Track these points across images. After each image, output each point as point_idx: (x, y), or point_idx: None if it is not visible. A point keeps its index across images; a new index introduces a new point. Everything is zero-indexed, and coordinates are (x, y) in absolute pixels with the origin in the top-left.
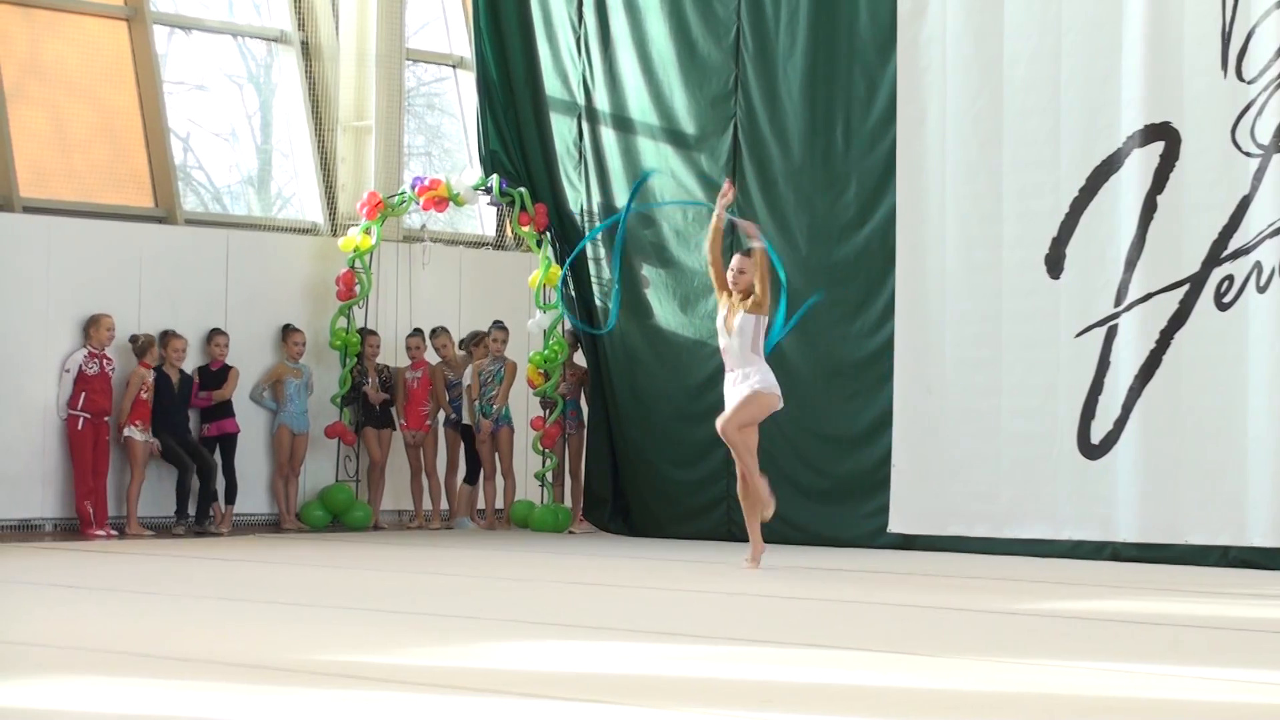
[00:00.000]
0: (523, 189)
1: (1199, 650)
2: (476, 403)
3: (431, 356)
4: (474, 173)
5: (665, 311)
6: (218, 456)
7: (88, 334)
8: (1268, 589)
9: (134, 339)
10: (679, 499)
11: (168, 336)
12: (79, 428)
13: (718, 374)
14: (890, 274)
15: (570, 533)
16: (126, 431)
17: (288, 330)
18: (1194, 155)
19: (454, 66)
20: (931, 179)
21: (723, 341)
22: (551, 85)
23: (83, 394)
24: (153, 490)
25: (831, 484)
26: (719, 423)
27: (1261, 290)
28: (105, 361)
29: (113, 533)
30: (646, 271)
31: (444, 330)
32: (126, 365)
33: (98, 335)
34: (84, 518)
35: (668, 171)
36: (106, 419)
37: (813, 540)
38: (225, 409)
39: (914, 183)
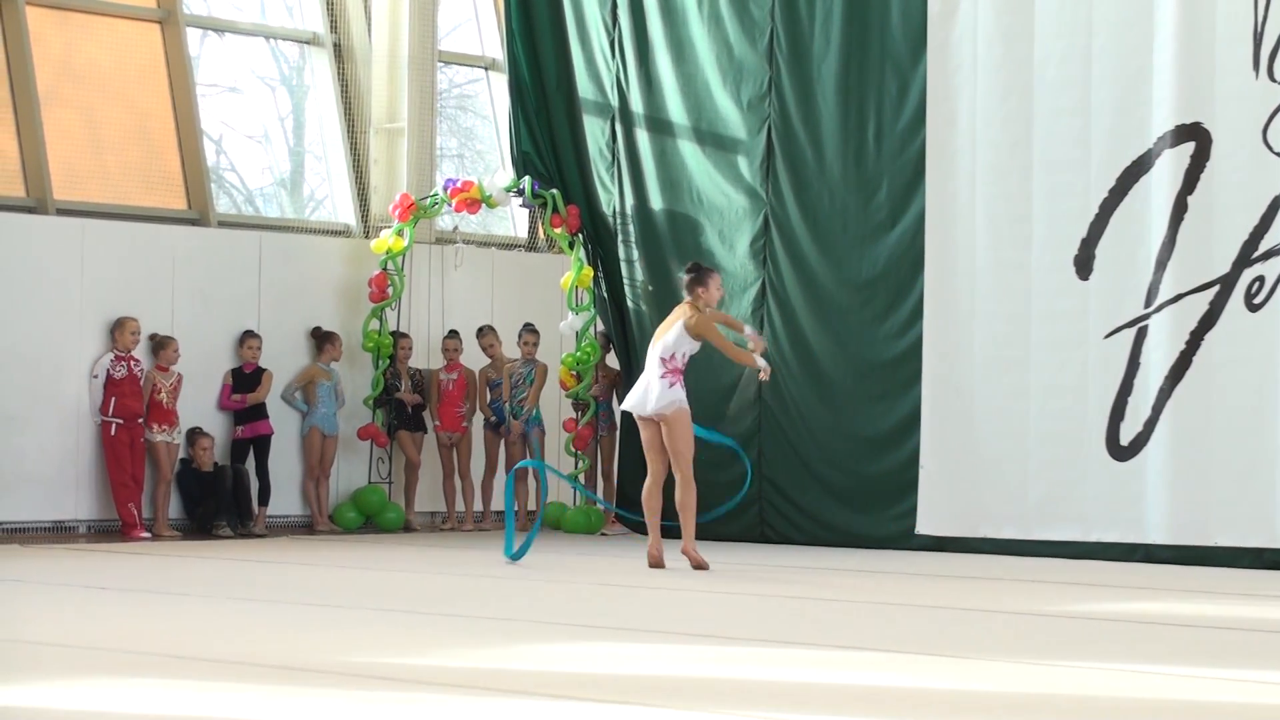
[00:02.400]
0: (555, 191)
1: (1230, 652)
2: (508, 404)
3: (468, 359)
4: (506, 174)
5: None
6: (251, 459)
7: (113, 337)
8: None
9: (152, 337)
10: (711, 501)
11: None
12: (113, 433)
13: (750, 375)
14: (920, 275)
15: (602, 534)
16: (146, 435)
17: (329, 335)
18: (1225, 156)
19: (486, 68)
20: (961, 180)
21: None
22: (584, 87)
23: (113, 398)
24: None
25: (860, 485)
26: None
27: None
28: (133, 364)
29: (145, 535)
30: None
31: (490, 329)
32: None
33: (122, 338)
34: (128, 521)
35: (703, 173)
36: (140, 421)
37: (842, 541)
38: (259, 411)
39: (944, 183)
